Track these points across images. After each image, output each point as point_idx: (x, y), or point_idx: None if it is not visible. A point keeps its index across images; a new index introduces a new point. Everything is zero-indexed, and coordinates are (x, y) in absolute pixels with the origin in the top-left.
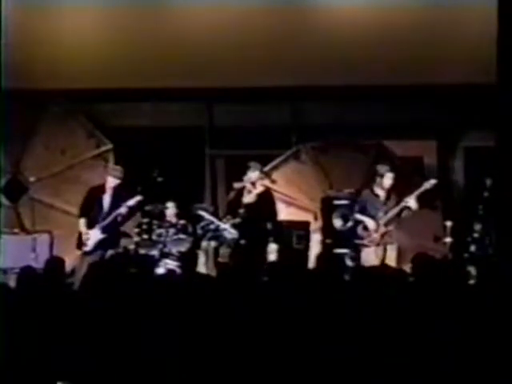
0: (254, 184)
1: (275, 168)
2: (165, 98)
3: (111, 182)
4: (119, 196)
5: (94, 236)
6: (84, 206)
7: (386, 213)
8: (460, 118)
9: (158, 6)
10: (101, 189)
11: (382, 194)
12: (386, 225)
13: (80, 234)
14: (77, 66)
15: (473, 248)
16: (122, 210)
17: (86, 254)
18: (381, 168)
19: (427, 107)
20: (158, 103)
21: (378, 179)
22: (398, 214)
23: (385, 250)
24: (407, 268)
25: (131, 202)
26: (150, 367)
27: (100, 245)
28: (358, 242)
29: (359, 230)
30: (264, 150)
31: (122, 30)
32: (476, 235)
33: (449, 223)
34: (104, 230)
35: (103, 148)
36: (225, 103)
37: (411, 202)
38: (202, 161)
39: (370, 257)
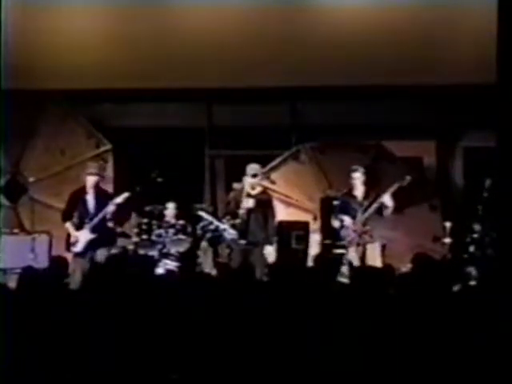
0: (253, 186)
1: (274, 168)
2: (165, 98)
3: (90, 180)
4: (103, 194)
5: (83, 237)
6: (66, 210)
7: (363, 212)
8: (460, 118)
9: (158, 6)
10: (82, 190)
11: (359, 194)
12: (363, 224)
13: (68, 236)
14: (77, 66)
15: (472, 248)
16: (110, 208)
17: (78, 255)
18: (351, 168)
19: (427, 107)
20: (157, 103)
21: (350, 181)
22: (379, 214)
23: (364, 250)
24: (406, 268)
25: (119, 200)
26: (151, 367)
27: (90, 245)
28: (338, 243)
29: (341, 230)
30: (264, 151)
31: (122, 30)
32: (475, 236)
33: (448, 223)
34: (93, 229)
35: (103, 148)
36: (225, 103)
37: (386, 200)
38: (202, 161)
39: (352, 257)
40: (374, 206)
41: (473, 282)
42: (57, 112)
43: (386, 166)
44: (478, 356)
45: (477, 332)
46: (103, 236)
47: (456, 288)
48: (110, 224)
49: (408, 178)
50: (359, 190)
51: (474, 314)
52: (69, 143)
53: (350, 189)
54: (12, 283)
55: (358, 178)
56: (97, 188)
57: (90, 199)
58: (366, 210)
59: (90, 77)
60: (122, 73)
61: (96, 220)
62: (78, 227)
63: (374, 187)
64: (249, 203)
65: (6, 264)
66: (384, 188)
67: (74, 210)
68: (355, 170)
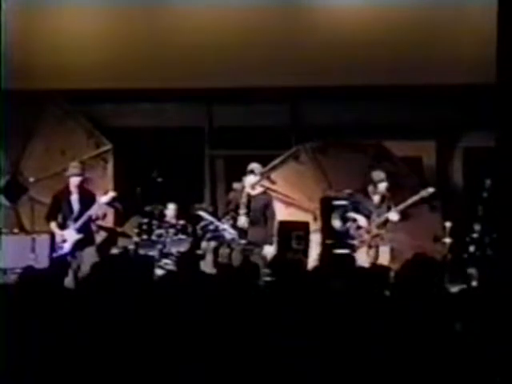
0: (253, 186)
1: (274, 168)
2: (164, 98)
3: (74, 181)
4: (87, 194)
5: (70, 237)
6: (49, 212)
7: (378, 216)
8: (460, 118)
9: (158, 6)
10: (65, 191)
11: (376, 197)
12: (377, 227)
13: (53, 237)
14: (77, 66)
15: (472, 248)
16: (95, 208)
17: (65, 255)
18: (376, 176)
19: (427, 107)
20: (157, 103)
21: (372, 186)
22: (385, 222)
23: (377, 252)
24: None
25: (105, 199)
26: (151, 367)
27: (77, 245)
28: (349, 242)
29: (351, 229)
30: (263, 151)
31: (122, 30)
32: (475, 236)
33: (448, 224)
34: (79, 229)
35: (103, 148)
36: (225, 103)
37: (394, 215)
38: (202, 161)
39: (362, 258)
40: (391, 211)
41: (473, 282)
42: (57, 112)
43: (385, 166)
44: (477, 356)
45: (475, 332)
46: (89, 236)
47: (455, 288)
48: (98, 223)
49: (430, 189)
50: (378, 195)
51: (473, 314)
52: (69, 143)
53: (365, 189)
54: (12, 283)
55: (383, 187)
56: (80, 188)
57: (75, 200)
58: (381, 214)
59: (90, 77)
60: (121, 73)
61: (82, 220)
62: (63, 228)
63: (393, 193)
64: (249, 203)
65: (6, 264)
66: (403, 194)
67: (58, 211)
68: (382, 181)
